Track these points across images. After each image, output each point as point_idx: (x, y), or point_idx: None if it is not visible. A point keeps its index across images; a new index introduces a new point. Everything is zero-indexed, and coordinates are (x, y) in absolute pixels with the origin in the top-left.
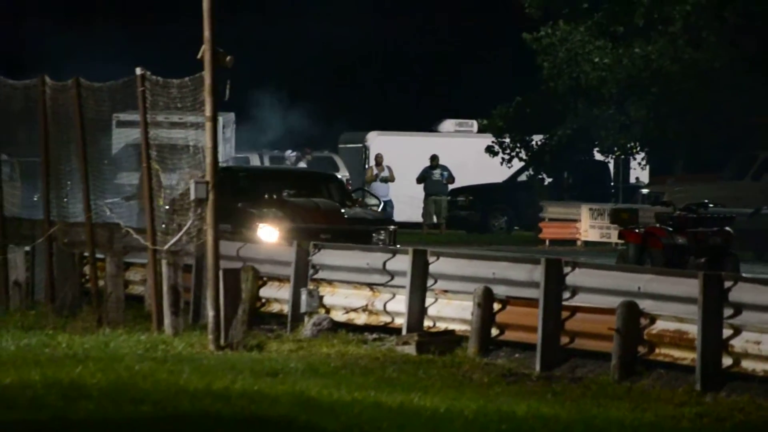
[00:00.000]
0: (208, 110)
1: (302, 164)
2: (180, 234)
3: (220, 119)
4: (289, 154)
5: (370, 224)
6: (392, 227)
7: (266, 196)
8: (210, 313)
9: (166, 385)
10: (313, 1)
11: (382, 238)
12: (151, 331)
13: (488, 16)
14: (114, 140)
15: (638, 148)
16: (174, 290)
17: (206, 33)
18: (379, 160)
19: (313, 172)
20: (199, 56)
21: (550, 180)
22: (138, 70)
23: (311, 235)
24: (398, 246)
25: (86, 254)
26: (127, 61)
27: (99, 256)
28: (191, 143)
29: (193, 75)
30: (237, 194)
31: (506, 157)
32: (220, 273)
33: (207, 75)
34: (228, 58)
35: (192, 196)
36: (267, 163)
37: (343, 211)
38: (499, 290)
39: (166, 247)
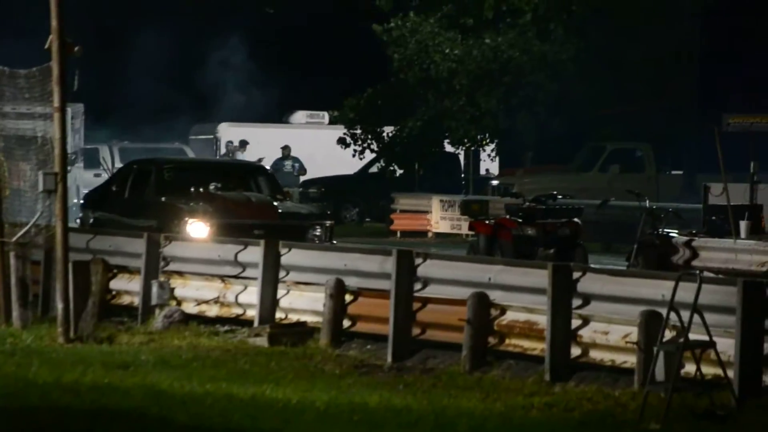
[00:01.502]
0: (56, 101)
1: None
2: (28, 226)
3: (69, 110)
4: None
5: (305, 219)
6: (329, 222)
7: (193, 189)
8: (59, 305)
9: (13, 379)
10: None
11: (318, 233)
12: None
13: (339, 8)
14: None
15: (488, 140)
16: (22, 282)
17: (54, 22)
18: (231, 148)
19: (241, 163)
20: (46, 46)
21: (401, 172)
22: None
23: (243, 230)
24: (335, 242)
25: None
26: None
27: None
28: (39, 134)
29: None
30: (161, 188)
31: (358, 148)
32: (70, 265)
33: (55, 65)
34: (76, 48)
35: (40, 188)
36: (117, 155)
37: (276, 204)
38: (351, 282)
39: (14, 239)
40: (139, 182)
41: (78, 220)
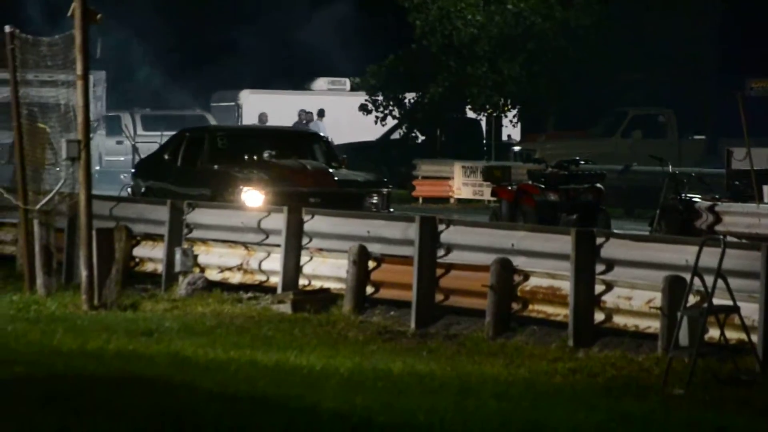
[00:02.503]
0: (79, 68)
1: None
2: (52, 194)
3: (91, 78)
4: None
5: (362, 187)
6: (386, 190)
7: (247, 157)
8: (83, 272)
9: (39, 346)
10: None
11: (375, 201)
12: (23, 291)
13: None
14: None
15: (510, 106)
16: (46, 250)
17: None
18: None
19: (296, 131)
20: (69, 14)
21: (423, 138)
22: (7, 28)
23: (299, 198)
24: (392, 210)
25: None
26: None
27: None
28: (62, 102)
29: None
30: (214, 156)
31: (380, 115)
32: (93, 233)
33: (77, 33)
34: (98, 15)
35: (63, 155)
36: (139, 122)
37: (332, 172)
38: (374, 248)
39: (38, 206)
40: (192, 150)
41: (129, 190)
